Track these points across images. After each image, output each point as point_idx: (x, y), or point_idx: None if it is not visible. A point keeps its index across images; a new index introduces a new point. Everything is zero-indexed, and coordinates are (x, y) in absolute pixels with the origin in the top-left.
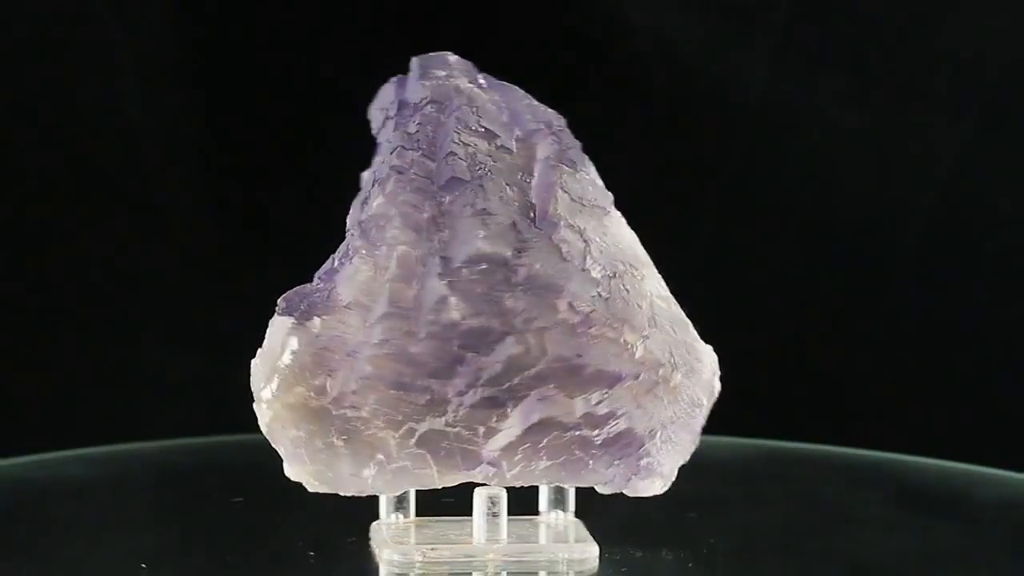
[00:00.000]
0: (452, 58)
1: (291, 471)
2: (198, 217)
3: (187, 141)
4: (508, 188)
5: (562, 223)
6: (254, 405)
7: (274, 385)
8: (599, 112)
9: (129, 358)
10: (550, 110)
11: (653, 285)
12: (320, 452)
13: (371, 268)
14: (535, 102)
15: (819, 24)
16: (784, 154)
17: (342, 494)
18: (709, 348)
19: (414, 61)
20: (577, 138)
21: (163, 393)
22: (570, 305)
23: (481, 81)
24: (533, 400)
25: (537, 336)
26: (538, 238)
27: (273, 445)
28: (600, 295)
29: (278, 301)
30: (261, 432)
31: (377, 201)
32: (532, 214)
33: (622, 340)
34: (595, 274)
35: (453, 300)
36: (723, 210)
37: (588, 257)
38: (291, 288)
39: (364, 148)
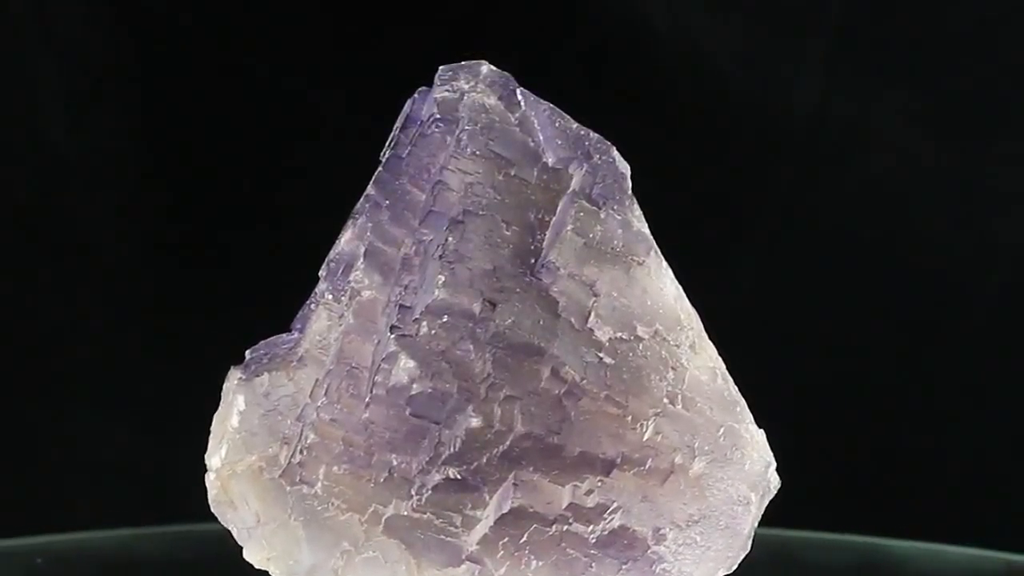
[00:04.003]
0: (485, 68)
1: (250, 556)
2: (133, 258)
3: (119, 168)
4: (505, 227)
5: (563, 271)
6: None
7: (223, 451)
8: (614, 132)
9: (48, 429)
10: (596, 136)
11: (697, 354)
12: (277, 535)
13: (329, 316)
14: (579, 126)
15: (881, 26)
16: (839, 184)
17: None
18: (761, 434)
19: (440, 71)
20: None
21: (88, 472)
22: (554, 371)
23: (518, 98)
24: (509, 485)
25: (504, 407)
26: (523, 289)
27: (222, 523)
28: (601, 361)
29: (246, 352)
30: (209, 520)
31: (345, 236)
32: (533, 260)
33: (627, 417)
34: (598, 335)
35: (403, 358)
36: (766, 251)
37: (592, 314)
38: (242, 343)
39: (335, 176)
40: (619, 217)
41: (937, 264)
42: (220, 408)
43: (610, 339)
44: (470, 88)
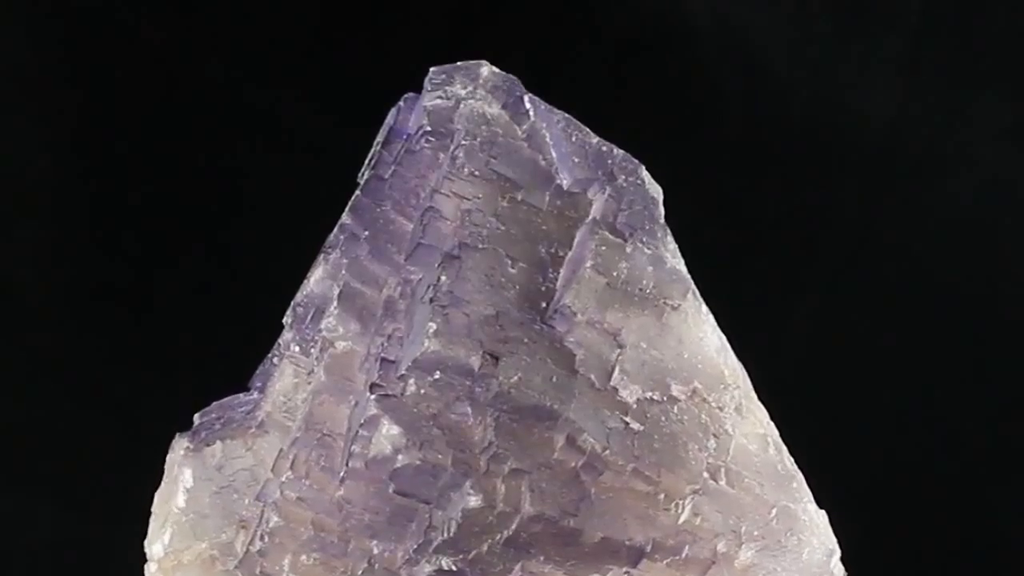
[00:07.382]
0: (485, 70)
1: None
2: (57, 302)
3: (41, 195)
4: (511, 263)
5: (581, 318)
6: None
7: (167, 537)
8: (644, 147)
9: None
10: (622, 153)
11: (744, 418)
12: None
13: (296, 372)
14: (600, 140)
15: (970, 21)
16: (918, 210)
17: None
18: (822, 516)
19: (431, 73)
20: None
21: (3, 560)
22: (569, 439)
23: (526, 106)
24: None
25: (509, 483)
26: (533, 339)
27: None
28: (628, 427)
29: (195, 417)
30: None
31: (315, 275)
32: (544, 303)
33: (659, 496)
34: (624, 396)
35: (386, 424)
36: (828, 292)
37: (616, 370)
38: (191, 404)
39: (302, 202)
40: (649, 251)
41: None
42: (163, 484)
43: (638, 400)
44: (468, 94)
